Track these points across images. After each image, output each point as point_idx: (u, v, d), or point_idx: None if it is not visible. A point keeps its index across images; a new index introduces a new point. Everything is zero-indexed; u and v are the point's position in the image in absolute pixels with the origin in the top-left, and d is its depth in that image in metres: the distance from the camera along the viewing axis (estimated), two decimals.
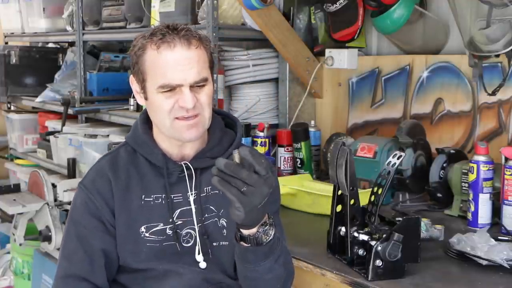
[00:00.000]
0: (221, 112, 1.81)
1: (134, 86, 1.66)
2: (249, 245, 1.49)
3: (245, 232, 1.49)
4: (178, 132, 1.60)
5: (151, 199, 1.64)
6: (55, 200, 2.90)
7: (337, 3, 2.69)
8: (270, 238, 1.50)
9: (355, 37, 2.78)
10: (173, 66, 1.54)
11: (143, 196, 1.64)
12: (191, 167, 1.65)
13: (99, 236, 1.62)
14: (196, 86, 1.57)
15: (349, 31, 2.77)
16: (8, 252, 3.62)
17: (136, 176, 1.65)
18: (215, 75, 2.40)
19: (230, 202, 1.40)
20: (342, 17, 2.75)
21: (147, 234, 1.62)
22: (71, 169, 3.34)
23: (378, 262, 1.62)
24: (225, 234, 1.66)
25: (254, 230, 1.48)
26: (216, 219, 1.67)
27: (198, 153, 1.68)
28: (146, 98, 1.62)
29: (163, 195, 1.64)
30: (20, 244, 2.96)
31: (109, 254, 1.62)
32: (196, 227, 1.64)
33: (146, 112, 1.71)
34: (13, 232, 2.96)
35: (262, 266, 1.52)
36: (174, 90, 1.56)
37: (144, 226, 1.62)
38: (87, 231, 1.62)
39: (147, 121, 1.70)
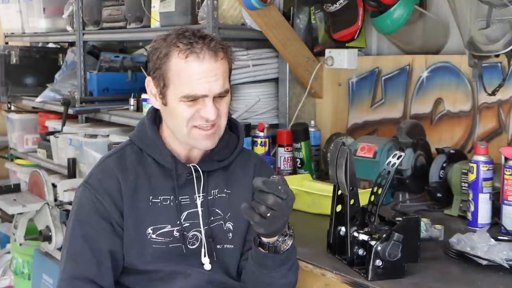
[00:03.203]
0: None
1: (150, 88, 1.63)
2: (267, 251, 1.54)
3: (265, 240, 1.53)
4: (195, 140, 1.60)
5: (159, 200, 1.63)
6: (55, 200, 2.91)
7: (337, 3, 2.69)
8: (288, 247, 1.56)
9: (355, 37, 2.78)
10: (199, 77, 1.53)
11: (150, 197, 1.62)
12: (200, 169, 1.65)
13: (107, 237, 1.59)
14: (218, 97, 1.58)
15: (349, 31, 2.77)
16: (8, 252, 3.62)
17: (144, 176, 1.63)
18: None
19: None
20: (342, 17, 2.75)
21: (153, 236, 1.61)
22: (71, 169, 3.34)
23: (378, 262, 1.62)
24: (230, 237, 1.67)
25: (274, 239, 1.53)
26: (221, 222, 1.67)
27: (206, 156, 1.68)
28: (165, 104, 1.60)
29: (171, 197, 1.63)
30: (20, 244, 2.96)
31: (115, 256, 1.60)
32: (202, 229, 1.64)
33: (153, 112, 1.69)
34: (13, 232, 2.96)
35: (277, 272, 1.57)
36: (196, 100, 1.56)
37: (151, 227, 1.61)
38: (95, 231, 1.59)
39: (155, 121, 1.69)
